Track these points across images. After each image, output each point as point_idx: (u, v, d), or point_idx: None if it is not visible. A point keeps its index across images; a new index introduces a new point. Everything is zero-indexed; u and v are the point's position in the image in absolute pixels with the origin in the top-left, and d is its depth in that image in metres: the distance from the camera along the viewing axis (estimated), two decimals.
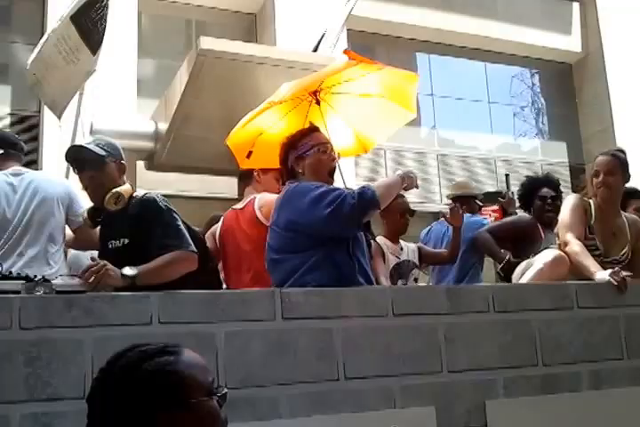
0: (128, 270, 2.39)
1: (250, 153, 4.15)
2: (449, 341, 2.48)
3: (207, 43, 7.33)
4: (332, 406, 2.30)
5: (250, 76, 7.77)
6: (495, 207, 5.76)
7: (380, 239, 4.12)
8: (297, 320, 2.36)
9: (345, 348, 2.36)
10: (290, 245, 2.83)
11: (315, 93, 4.31)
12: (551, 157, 12.67)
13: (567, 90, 12.97)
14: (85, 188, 2.79)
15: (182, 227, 2.70)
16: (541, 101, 13.18)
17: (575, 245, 3.09)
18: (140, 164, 8.24)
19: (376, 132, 4.72)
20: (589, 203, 3.35)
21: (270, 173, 3.76)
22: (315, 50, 9.82)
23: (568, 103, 12.92)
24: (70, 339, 2.11)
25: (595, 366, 2.66)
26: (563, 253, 3.24)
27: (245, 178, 3.84)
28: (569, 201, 3.36)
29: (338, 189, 2.82)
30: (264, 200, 3.58)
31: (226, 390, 1.34)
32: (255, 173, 3.77)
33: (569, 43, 12.56)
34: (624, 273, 2.79)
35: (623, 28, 12.59)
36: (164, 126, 8.24)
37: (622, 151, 3.41)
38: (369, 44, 11.17)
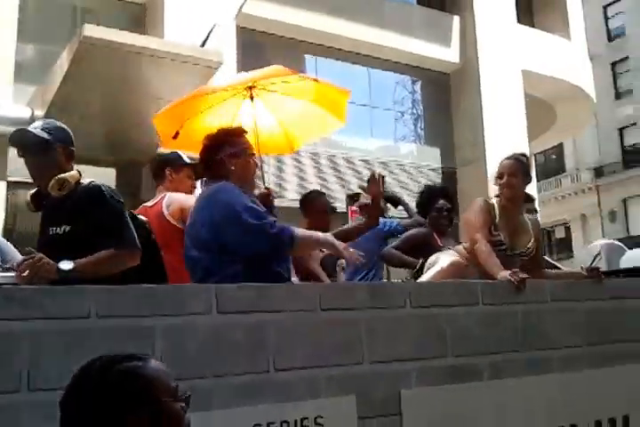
0: (65, 264, 2.41)
1: (177, 134, 4.21)
2: (370, 334, 2.69)
3: (91, 30, 7.20)
4: (262, 397, 2.44)
5: (134, 67, 7.71)
6: (354, 208, 6.10)
7: None
8: (231, 314, 2.48)
9: (276, 341, 2.51)
10: (209, 244, 2.91)
11: (250, 89, 4.41)
12: (426, 161, 13.37)
13: (444, 98, 13.69)
14: (30, 172, 2.75)
15: (127, 219, 2.71)
16: (420, 108, 13.86)
17: (483, 245, 3.42)
18: (13, 150, 7.95)
19: (304, 134, 4.89)
20: (493, 204, 3.68)
21: (183, 171, 3.84)
22: (202, 44, 9.84)
23: (444, 111, 13.65)
24: (7, 332, 2.12)
25: (495, 358, 2.97)
26: (459, 260, 3.58)
27: (157, 177, 3.90)
28: (475, 204, 3.68)
29: (264, 213, 2.89)
30: (173, 199, 3.67)
31: (189, 393, 1.48)
32: (167, 172, 3.84)
33: (448, 54, 13.26)
34: (522, 274, 3.12)
35: (498, 43, 13.48)
36: (40, 113, 8.00)
37: (525, 156, 3.78)
38: (259, 42, 11.30)
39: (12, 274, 2.41)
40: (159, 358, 2.26)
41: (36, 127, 2.78)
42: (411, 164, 13.15)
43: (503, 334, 3.02)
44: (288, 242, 2.79)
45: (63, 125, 2.88)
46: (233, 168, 2.99)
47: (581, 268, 3.52)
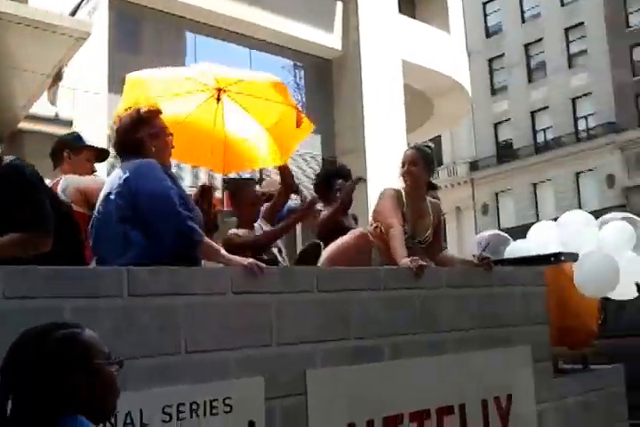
0: None
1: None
2: (279, 317, 2.88)
3: None
4: (174, 379, 2.57)
5: None
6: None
7: (232, 231, 4.28)
8: (143, 297, 2.59)
9: (187, 323, 2.64)
10: (128, 217, 2.90)
11: (219, 90, 4.43)
12: (306, 148, 13.54)
13: (326, 85, 13.86)
14: None
15: (44, 202, 2.71)
16: (303, 94, 14.09)
17: (398, 231, 3.69)
18: None
19: (237, 162, 4.85)
20: (401, 193, 3.96)
21: (83, 153, 3.84)
22: (73, 13, 9.56)
23: (326, 98, 13.80)
24: None
25: (396, 340, 3.24)
26: (366, 232, 3.83)
27: (55, 159, 3.88)
28: (386, 192, 3.95)
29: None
30: (68, 182, 3.68)
31: (121, 357, 1.69)
32: (65, 154, 3.82)
33: (331, 40, 13.43)
34: (421, 262, 3.42)
35: (379, 32, 13.76)
36: None
37: (428, 146, 4.09)
38: (135, 15, 11.09)
39: None
40: None
41: None
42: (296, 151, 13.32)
43: (403, 317, 3.30)
44: (196, 240, 2.90)
45: None
46: (153, 149, 3.07)
47: (473, 256, 3.87)
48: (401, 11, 14.75)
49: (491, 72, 38.02)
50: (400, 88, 13.94)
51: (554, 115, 34.88)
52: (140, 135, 3.06)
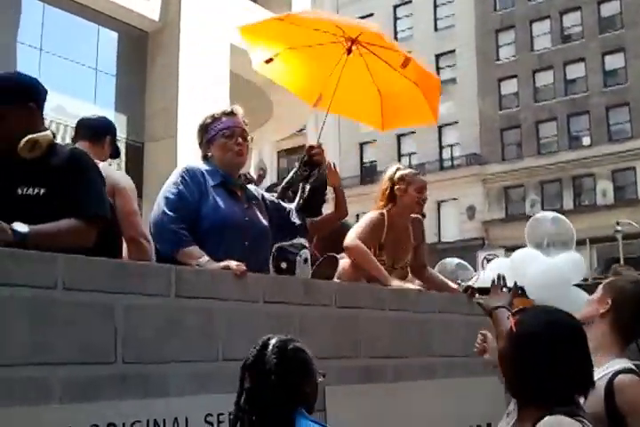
0: (20, 226, 2.40)
1: (270, 60, 4.47)
2: (302, 329, 3.05)
3: None
4: (212, 386, 2.70)
5: None
6: None
7: None
8: (188, 299, 2.70)
9: (225, 330, 2.79)
10: None
11: (352, 41, 4.31)
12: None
13: (140, 60, 12.70)
14: None
15: (104, 191, 2.79)
16: (113, 68, 12.61)
17: (363, 247, 3.78)
18: None
19: (399, 116, 4.82)
20: (384, 220, 3.97)
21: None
22: None
23: (139, 74, 12.63)
24: None
25: (396, 362, 3.50)
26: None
27: (91, 140, 3.75)
28: (368, 219, 3.99)
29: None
30: (107, 172, 3.56)
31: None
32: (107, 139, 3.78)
33: (148, 8, 12.28)
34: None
35: (206, 7, 12.63)
36: None
37: None
38: None
39: None
40: (120, 339, 2.44)
41: None
42: None
43: (402, 339, 3.57)
44: (176, 243, 3.11)
45: (29, 79, 2.83)
46: (210, 154, 3.37)
47: (458, 284, 4.18)
48: None
49: None
50: (226, 75, 12.73)
51: (419, 141, 36.54)
52: (202, 142, 3.46)
